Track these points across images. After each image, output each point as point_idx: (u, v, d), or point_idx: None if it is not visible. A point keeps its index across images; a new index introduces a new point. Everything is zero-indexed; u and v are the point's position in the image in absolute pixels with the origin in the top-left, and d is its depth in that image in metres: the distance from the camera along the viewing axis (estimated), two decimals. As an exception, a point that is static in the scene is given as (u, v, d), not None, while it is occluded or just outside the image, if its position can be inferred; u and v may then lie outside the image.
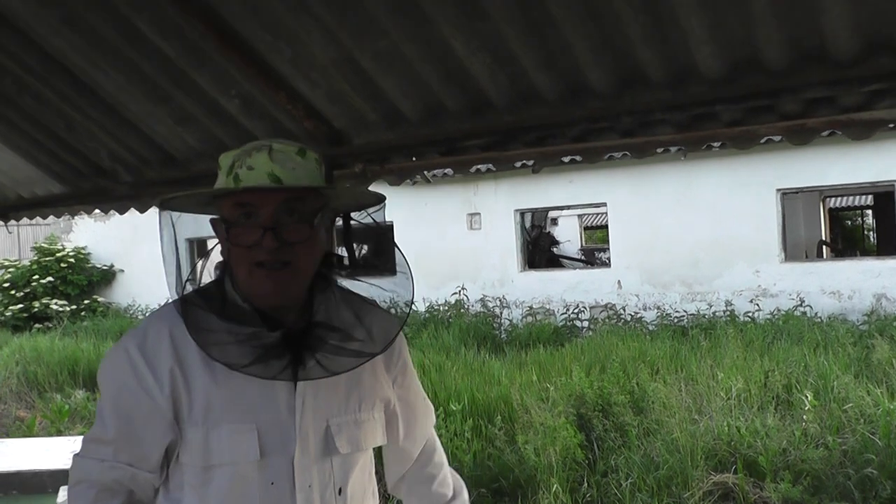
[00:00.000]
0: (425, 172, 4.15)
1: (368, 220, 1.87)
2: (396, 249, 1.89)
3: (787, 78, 2.80)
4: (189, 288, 1.79)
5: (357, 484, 1.85)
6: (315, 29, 3.08)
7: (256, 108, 3.71)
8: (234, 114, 3.79)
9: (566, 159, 3.80)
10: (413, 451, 2.07)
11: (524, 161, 3.79)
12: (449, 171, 4.35)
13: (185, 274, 1.79)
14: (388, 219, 17.77)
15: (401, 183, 4.15)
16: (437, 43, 3.00)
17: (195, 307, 1.75)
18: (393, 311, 1.91)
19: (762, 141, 3.27)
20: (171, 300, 1.80)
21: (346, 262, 1.89)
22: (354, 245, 1.93)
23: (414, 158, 3.77)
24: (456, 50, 3.01)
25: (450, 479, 2.15)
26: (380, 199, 1.85)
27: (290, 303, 1.76)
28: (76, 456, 1.82)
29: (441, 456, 2.15)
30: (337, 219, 1.90)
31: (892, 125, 3.01)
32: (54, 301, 20.41)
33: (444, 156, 3.67)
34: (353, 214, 1.91)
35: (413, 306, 1.89)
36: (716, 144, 3.56)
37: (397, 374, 1.99)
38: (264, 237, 1.66)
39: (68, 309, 20.29)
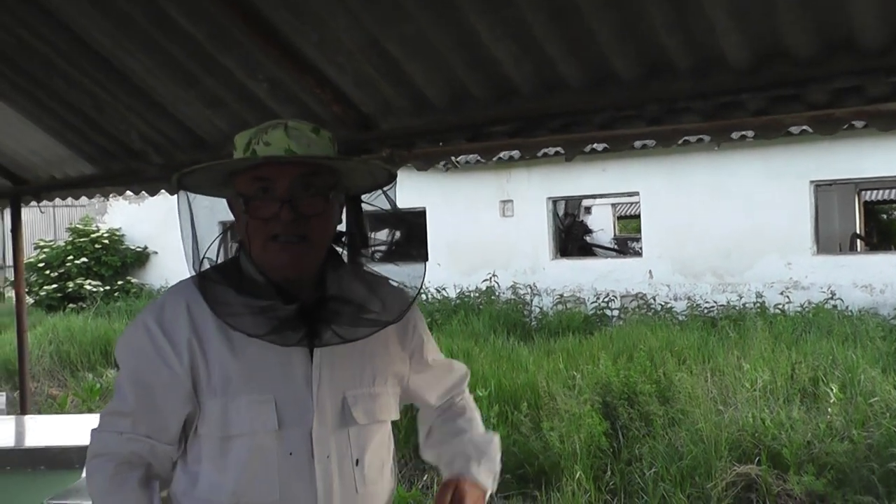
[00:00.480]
0: (453, 158, 4.18)
1: (382, 199, 1.89)
2: (407, 226, 1.91)
3: (813, 67, 2.78)
4: (207, 264, 1.83)
5: (374, 456, 1.87)
6: (342, 13, 3.09)
7: (284, 92, 3.74)
8: (263, 97, 3.82)
9: (593, 146, 3.79)
10: (433, 410, 2.18)
11: (550, 148, 3.80)
12: (475, 156, 4.36)
13: (203, 250, 1.83)
14: (421, 204, 17.84)
15: (427, 168, 4.17)
16: (462, 29, 3.01)
17: (212, 282, 1.79)
18: (405, 286, 1.94)
19: (791, 131, 3.28)
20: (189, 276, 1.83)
21: (359, 239, 1.93)
22: (367, 223, 1.95)
23: (440, 144, 3.77)
24: (482, 36, 3.01)
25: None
26: (392, 176, 1.88)
27: (305, 275, 1.80)
28: (94, 431, 1.86)
29: (465, 403, 2.23)
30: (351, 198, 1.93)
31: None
32: (88, 281, 20.65)
33: (470, 142, 3.67)
34: (364, 196, 1.93)
35: (425, 280, 1.92)
36: (747, 134, 3.54)
37: (414, 349, 2.03)
38: (281, 210, 1.71)
39: (102, 290, 20.52)
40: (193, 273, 1.82)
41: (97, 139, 4.79)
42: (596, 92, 3.17)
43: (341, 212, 1.88)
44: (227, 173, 1.83)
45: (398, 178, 1.92)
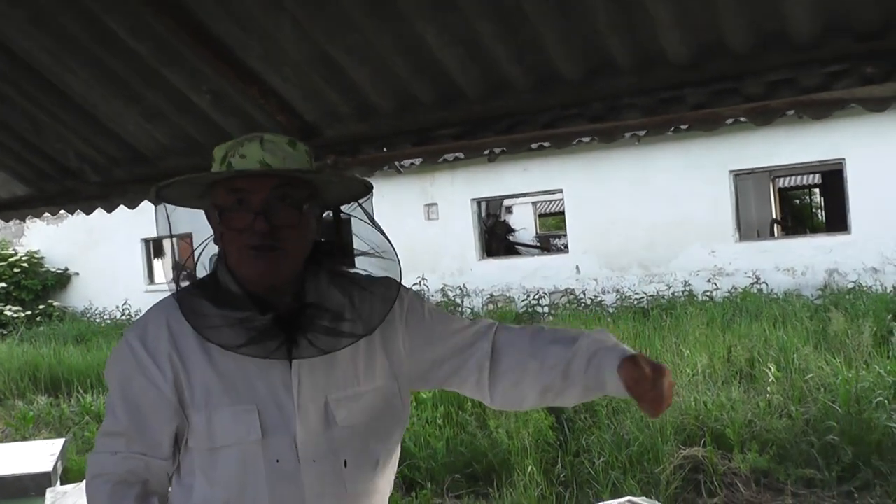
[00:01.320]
0: (397, 163, 4.19)
1: (358, 210, 1.92)
2: (383, 236, 1.94)
3: (750, 61, 2.90)
4: (182, 279, 1.87)
5: (365, 456, 1.88)
6: (287, 24, 3.11)
7: (228, 104, 3.73)
8: (206, 110, 3.81)
9: (535, 146, 3.86)
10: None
11: (494, 149, 3.86)
12: (416, 161, 4.40)
13: (180, 264, 1.86)
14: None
15: (372, 174, 4.19)
16: (409, 36, 3.05)
17: (190, 295, 1.82)
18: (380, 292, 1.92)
19: (727, 122, 3.36)
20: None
21: (336, 249, 1.94)
22: (344, 233, 1.98)
23: (385, 149, 3.81)
24: (428, 42, 3.06)
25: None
26: (368, 187, 1.91)
27: (280, 284, 1.81)
28: (91, 453, 1.87)
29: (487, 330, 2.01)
30: (327, 212, 1.96)
31: (847, 104, 3.12)
32: (8, 307, 20.14)
33: (415, 146, 3.71)
34: (342, 207, 1.96)
35: (401, 288, 1.93)
36: (683, 127, 3.65)
37: (415, 330, 1.97)
38: (255, 221, 1.73)
39: (23, 315, 20.02)
40: (173, 286, 1.84)
41: (32, 159, 4.70)
42: (541, 92, 3.24)
43: (318, 224, 1.90)
44: (205, 185, 1.85)
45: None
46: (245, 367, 1.78)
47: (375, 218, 1.95)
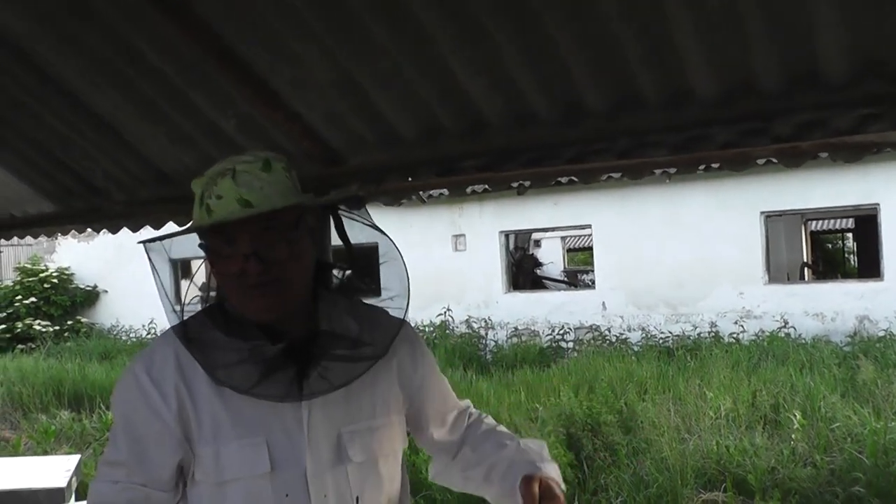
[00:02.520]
0: (422, 193, 4.18)
1: (354, 220, 1.90)
2: (384, 235, 1.89)
3: (780, 101, 2.85)
4: (182, 311, 1.85)
5: (376, 492, 1.85)
6: (315, 49, 3.11)
7: (253, 128, 3.73)
8: (231, 133, 3.81)
9: (562, 180, 3.83)
10: (447, 436, 2.10)
11: (520, 182, 3.83)
12: (444, 191, 4.38)
13: (179, 300, 1.84)
14: (373, 239, 17.59)
15: (396, 203, 4.18)
16: (437, 64, 3.03)
17: (198, 327, 1.79)
18: (391, 310, 1.93)
19: (758, 163, 3.31)
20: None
21: (340, 266, 1.93)
22: (344, 238, 1.94)
23: (409, 179, 3.79)
24: (455, 71, 3.04)
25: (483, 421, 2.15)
26: (358, 199, 1.92)
27: (288, 313, 1.77)
28: (92, 481, 1.84)
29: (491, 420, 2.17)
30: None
31: (881, 148, 3.06)
32: (37, 322, 20.34)
33: (439, 176, 3.68)
34: (334, 214, 1.93)
35: (409, 300, 1.92)
36: (713, 166, 3.61)
37: (424, 372, 2.02)
38: (248, 263, 1.68)
39: (52, 330, 20.20)
40: (176, 322, 1.82)
41: (60, 177, 4.73)
42: (567, 125, 3.21)
43: (313, 239, 1.84)
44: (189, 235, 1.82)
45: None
46: (255, 400, 1.73)
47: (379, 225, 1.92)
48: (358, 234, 1.94)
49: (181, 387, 1.75)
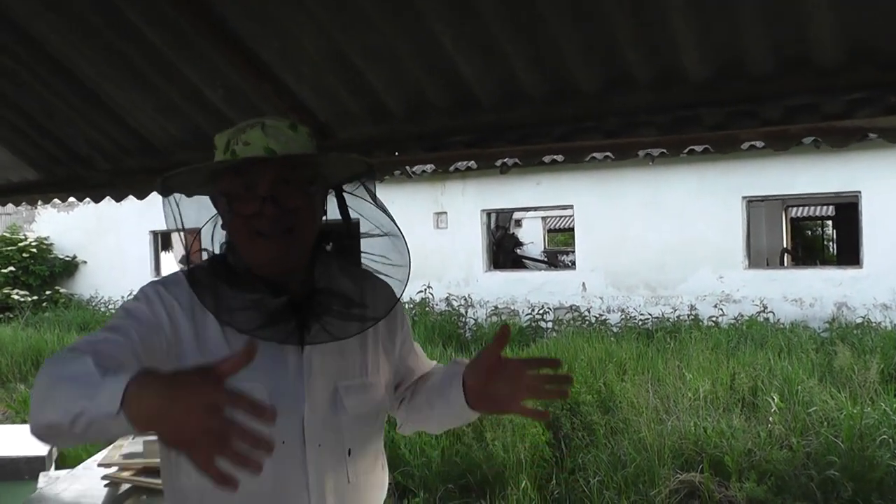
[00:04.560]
0: (407, 168, 4.17)
1: (361, 191, 1.92)
2: (389, 217, 1.92)
3: (770, 84, 2.86)
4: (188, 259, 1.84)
5: (366, 447, 1.89)
6: (306, 22, 3.09)
7: (241, 100, 3.71)
8: (218, 104, 3.79)
9: (548, 159, 3.83)
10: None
11: (503, 161, 3.82)
12: (427, 168, 4.37)
13: (190, 249, 1.83)
14: (354, 216, 17.59)
15: (380, 179, 4.16)
16: (427, 39, 3.02)
17: (202, 276, 1.80)
18: (390, 279, 1.96)
19: (744, 147, 3.32)
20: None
21: (342, 231, 1.96)
22: (349, 214, 1.96)
23: (397, 153, 3.78)
24: (445, 47, 3.03)
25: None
26: (369, 167, 1.92)
27: (292, 268, 1.82)
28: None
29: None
30: (331, 191, 1.95)
31: (870, 134, 3.07)
32: (16, 291, 20.18)
33: (427, 151, 3.68)
34: (346, 186, 1.95)
35: (410, 270, 1.94)
36: (698, 149, 3.62)
37: (404, 338, 2.08)
38: (264, 206, 1.73)
39: (30, 300, 20.10)
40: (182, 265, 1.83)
41: (44, 144, 4.69)
42: (556, 104, 3.21)
43: (323, 204, 1.90)
44: (210, 174, 1.84)
45: None
46: (258, 347, 1.73)
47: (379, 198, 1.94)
48: (359, 207, 1.95)
49: (197, 311, 1.77)
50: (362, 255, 1.96)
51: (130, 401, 1.34)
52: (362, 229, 1.95)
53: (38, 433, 1.52)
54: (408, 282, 1.95)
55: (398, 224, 1.93)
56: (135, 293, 1.84)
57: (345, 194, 1.94)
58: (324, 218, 1.90)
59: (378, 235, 1.92)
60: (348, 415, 1.84)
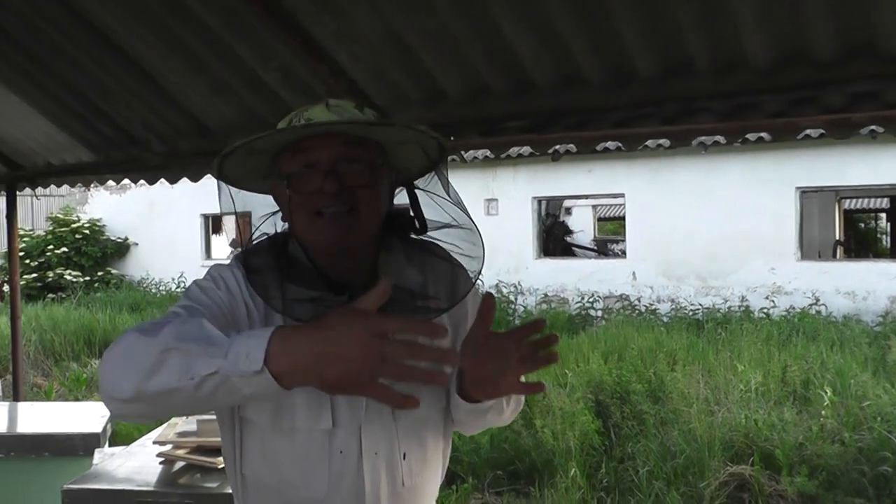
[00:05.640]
0: (462, 152, 4.12)
1: (433, 184, 1.80)
2: (461, 208, 1.79)
3: (833, 71, 2.80)
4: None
5: (421, 448, 1.81)
6: (362, 3, 3.08)
7: (296, 81, 3.72)
8: (274, 86, 3.80)
9: (600, 147, 3.78)
10: None
11: (554, 148, 3.78)
12: (478, 154, 4.35)
13: (249, 237, 1.77)
14: (404, 201, 17.55)
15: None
16: (485, 22, 3.00)
17: (259, 268, 1.71)
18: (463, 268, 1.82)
19: (800, 136, 3.25)
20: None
21: (411, 220, 1.81)
22: (420, 206, 1.82)
23: (452, 138, 3.76)
24: (504, 30, 3.01)
25: None
26: (443, 148, 1.78)
27: (352, 253, 1.70)
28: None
29: None
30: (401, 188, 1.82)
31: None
32: (68, 271, 20.52)
33: (482, 136, 3.65)
34: (417, 182, 1.82)
35: (483, 262, 1.81)
36: (756, 136, 3.56)
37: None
38: (325, 181, 1.62)
39: (82, 280, 20.40)
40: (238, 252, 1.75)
41: (100, 126, 4.75)
42: (615, 89, 3.18)
43: (391, 192, 1.78)
44: (270, 162, 1.74)
45: None
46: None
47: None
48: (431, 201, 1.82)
49: (257, 301, 1.68)
50: (432, 243, 1.82)
51: (276, 355, 1.30)
52: (432, 218, 1.80)
53: (128, 405, 1.43)
54: (481, 269, 1.80)
55: (473, 220, 1.80)
56: (203, 274, 1.76)
57: (416, 189, 1.82)
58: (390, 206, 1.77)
59: (452, 227, 1.79)
60: (404, 419, 1.76)
